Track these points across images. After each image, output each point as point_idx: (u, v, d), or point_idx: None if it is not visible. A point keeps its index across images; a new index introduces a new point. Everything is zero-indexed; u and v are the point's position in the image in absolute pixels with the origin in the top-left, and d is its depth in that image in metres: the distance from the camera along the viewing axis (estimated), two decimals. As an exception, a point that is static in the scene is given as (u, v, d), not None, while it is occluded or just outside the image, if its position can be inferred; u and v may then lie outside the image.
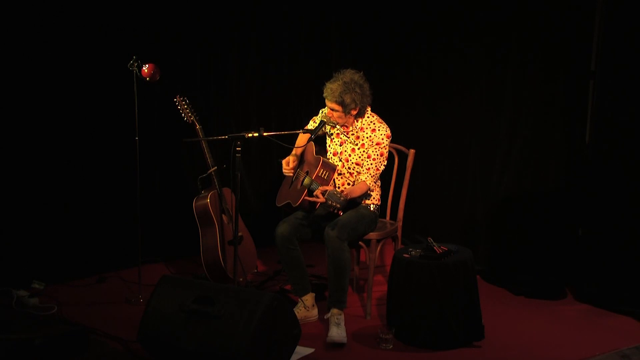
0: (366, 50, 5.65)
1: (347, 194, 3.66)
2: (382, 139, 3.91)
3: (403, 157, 4.30)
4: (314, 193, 3.71)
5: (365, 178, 3.90)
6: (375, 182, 3.97)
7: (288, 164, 4.05)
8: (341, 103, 3.81)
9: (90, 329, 3.71)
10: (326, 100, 3.86)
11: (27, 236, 4.44)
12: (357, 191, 3.87)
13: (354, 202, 3.97)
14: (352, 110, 3.85)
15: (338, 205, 3.56)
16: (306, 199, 3.80)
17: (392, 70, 5.52)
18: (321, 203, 3.72)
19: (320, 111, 4.07)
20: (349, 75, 3.84)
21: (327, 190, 3.60)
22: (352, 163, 3.98)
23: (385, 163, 3.95)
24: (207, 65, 5.15)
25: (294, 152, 4.13)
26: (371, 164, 3.90)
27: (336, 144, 4.05)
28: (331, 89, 3.82)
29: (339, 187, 3.98)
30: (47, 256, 4.51)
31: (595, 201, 4.25)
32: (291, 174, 4.05)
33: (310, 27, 5.57)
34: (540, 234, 4.51)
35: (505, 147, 4.71)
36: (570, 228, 4.47)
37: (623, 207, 4.13)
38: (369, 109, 3.98)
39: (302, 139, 4.15)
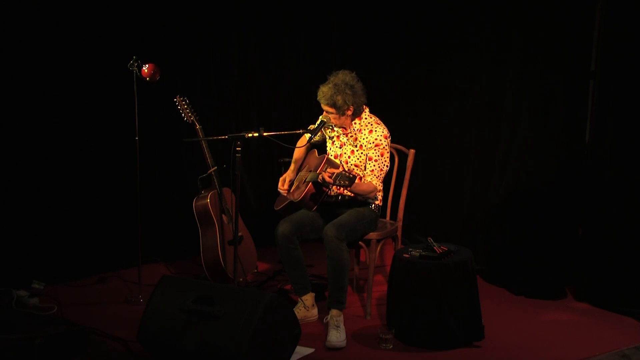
0: (366, 50, 5.65)
1: (355, 175, 3.63)
2: (381, 140, 3.92)
3: (403, 157, 4.30)
4: (321, 176, 3.70)
5: (371, 179, 3.91)
6: (380, 183, 3.98)
7: (284, 184, 4.11)
8: (333, 105, 3.85)
9: (90, 329, 3.70)
10: (321, 104, 3.90)
11: (27, 236, 4.44)
12: (363, 186, 3.88)
13: (355, 201, 3.98)
14: (347, 110, 3.88)
15: (346, 182, 3.55)
16: (310, 192, 3.83)
17: (392, 70, 5.52)
18: (328, 185, 3.73)
19: (321, 116, 4.07)
20: (340, 76, 3.87)
21: (334, 173, 3.61)
22: (352, 165, 3.98)
23: (388, 163, 3.95)
24: (207, 65, 5.15)
25: (292, 165, 4.18)
26: (374, 166, 3.91)
27: (336, 147, 4.07)
28: (323, 92, 3.87)
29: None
30: (47, 256, 4.51)
31: (595, 201, 4.25)
32: (285, 193, 4.10)
33: (310, 27, 5.57)
34: (540, 234, 4.50)
35: (505, 147, 4.71)
36: (570, 228, 4.47)
37: (623, 207, 4.12)
38: (367, 110, 3.99)
39: (303, 140, 4.21)
